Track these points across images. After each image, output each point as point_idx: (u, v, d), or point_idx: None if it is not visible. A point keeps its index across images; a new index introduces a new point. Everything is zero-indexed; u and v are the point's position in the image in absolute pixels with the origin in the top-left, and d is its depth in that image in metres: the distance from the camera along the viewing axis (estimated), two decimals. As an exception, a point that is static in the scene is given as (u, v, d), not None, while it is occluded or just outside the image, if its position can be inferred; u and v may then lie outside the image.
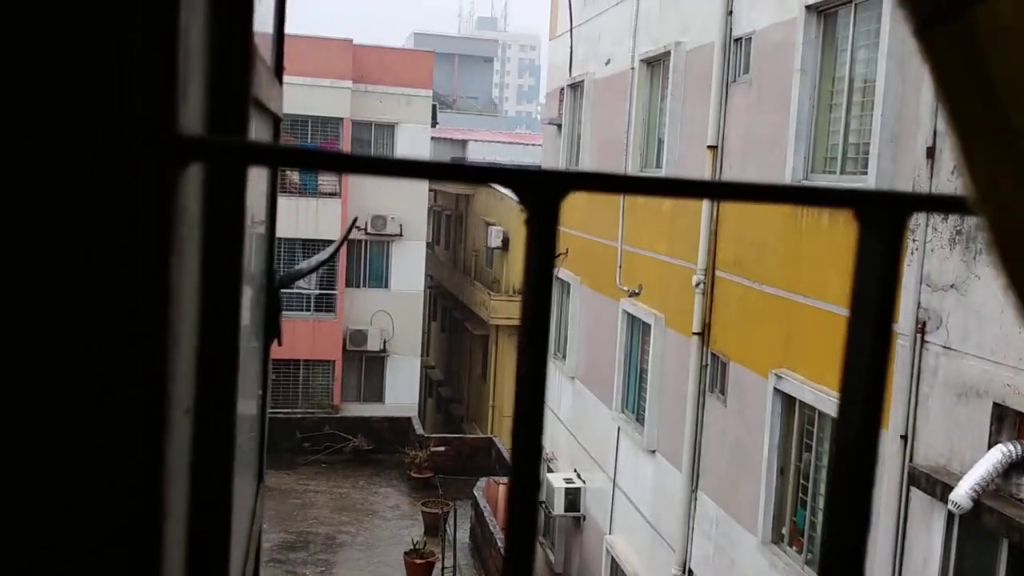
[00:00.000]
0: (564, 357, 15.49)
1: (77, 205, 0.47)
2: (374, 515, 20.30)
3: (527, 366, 0.44)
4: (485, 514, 17.72)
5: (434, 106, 26.91)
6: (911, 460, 6.89)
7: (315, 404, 24.58)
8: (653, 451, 11.91)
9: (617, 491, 13.11)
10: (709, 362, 10.44)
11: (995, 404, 6.16)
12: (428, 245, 27.94)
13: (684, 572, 10.79)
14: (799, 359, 8.56)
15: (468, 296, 26.23)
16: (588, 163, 14.79)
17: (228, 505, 0.83)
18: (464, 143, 36.85)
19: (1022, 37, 0.37)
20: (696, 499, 10.65)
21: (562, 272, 15.19)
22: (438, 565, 17.21)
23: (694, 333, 10.55)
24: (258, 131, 1.18)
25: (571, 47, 15.55)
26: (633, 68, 12.88)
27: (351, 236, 24.43)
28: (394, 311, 25.42)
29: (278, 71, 1.64)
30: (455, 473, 21.53)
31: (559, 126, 16.19)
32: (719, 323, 10.27)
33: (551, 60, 17.57)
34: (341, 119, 24.82)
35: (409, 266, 25.84)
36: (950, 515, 6.40)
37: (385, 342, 25.40)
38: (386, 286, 25.78)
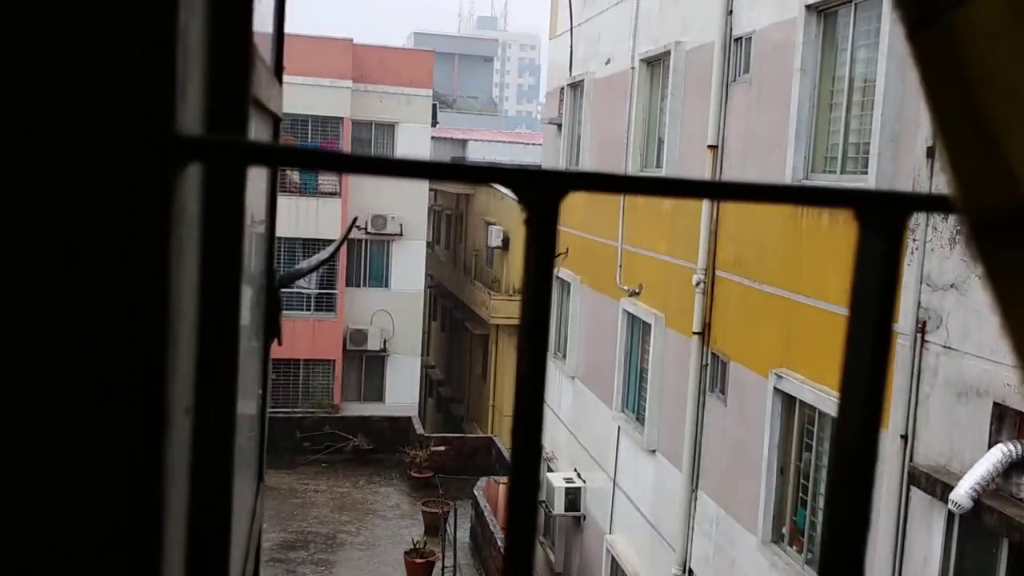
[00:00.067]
0: (564, 357, 15.50)
1: (76, 205, 0.47)
2: (374, 514, 20.31)
3: (527, 365, 0.44)
4: (485, 514, 17.73)
5: (434, 106, 26.91)
6: (911, 460, 6.89)
7: (315, 404, 24.59)
8: (653, 451, 11.91)
9: (617, 491, 13.11)
10: (709, 362, 10.44)
11: (995, 404, 6.16)
12: (428, 245, 27.95)
13: (684, 572, 10.79)
14: (799, 359, 8.56)
15: (468, 296, 26.24)
16: (588, 163, 14.79)
17: (228, 505, 0.83)
18: (464, 143, 36.86)
19: (996, 41, 0.38)
20: (696, 499, 10.65)
21: (562, 272, 15.20)
22: (438, 565, 17.22)
23: (694, 333, 10.55)
24: (258, 131, 1.18)
25: (571, 46, 15.55)
26: (633, 68, 12.87)
27: (351, 235, 24.43)
28: (394, 311, 25.42)
29: (278, 71, 1.64)
30: (455, 473, 21.54)
31: (559, 126, 16.19)
32: (719, 323, 10.27)
33: (551, 59, 17.57)
34: (341, 119, 24.82)
35: (409, 266, 25.85)
36: (950, 515, 6.40)
37: (385, 341, 25.41)
38: (386, 286, 25.78)
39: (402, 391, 25.73)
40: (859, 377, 0.47)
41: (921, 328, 6.84)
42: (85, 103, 0.46)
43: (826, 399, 7.98)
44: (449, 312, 29.24)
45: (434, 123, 26.99)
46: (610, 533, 13.31)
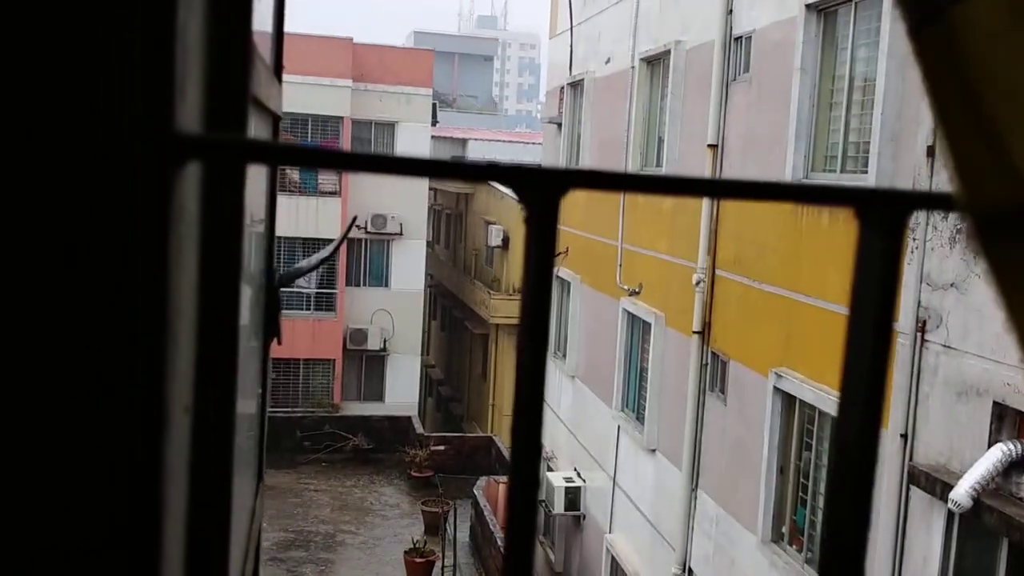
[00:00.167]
0: (564, 356, 15.50)
1: (74, 204, 0.47)
2: (374, 514, 20.31)
3: (527, 363, 0.44)
4: (485, 513, 17.73)
5: (434, 105, 26.91)
6: (911, 459, 6.89)
7: (315, 403, 24.59)
8: (653, 450, 11.91)
9: (617, 490, 13.11)
10: (709, 361, 10.44)
11: (995, 403, 6.16)
12: (428, 244, 27.94)
13: (684, 571, 10.80)
14: (799, 358, 8.56)
15: (468, 295, 26.24)
16: (588, 162, 14.79)
17: (227, 504, 0.83)
18: (464, 142, 36.86)
19: (996, 41, 0.38)
20: (696, 498, 10.65)
21: (562, 271, 15.19)
22: (438, 564, 17.22)
23: (694, 332, 10.55)
24: (257, 130, 1.18)
25: (571, 46, 15.54)
26: (633, 67, 12.87)
27: (351, 235, 24.43)
28: (394, 310, 25.42)
29: (277, 70, 1.63)
30: (455, 472, 21.54)
31: (559, 125, 16.19)
32: (719, 322, 10.27)
33: (551, 59, 17.57)
34: (341, 118, 24.82)
35: (409, 265, 25.84)
36: (950, 514, 6.40)
37: (385, 341, 25.41)
38: (386, 285, 25.78)
39: (402, 390, 25.73)
40: (859, 376, 0.47)
41: (921, 327, 6.84)
42: (83, 101, 0.46)
43: (826, 398, 7.98)
44: (449, 311, 29.24)
45: (434, 122, 26.99)
46: (610, 532, 13.31)
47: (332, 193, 24.68)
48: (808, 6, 8.54)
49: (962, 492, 5.97)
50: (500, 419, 23.69)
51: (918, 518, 6.84)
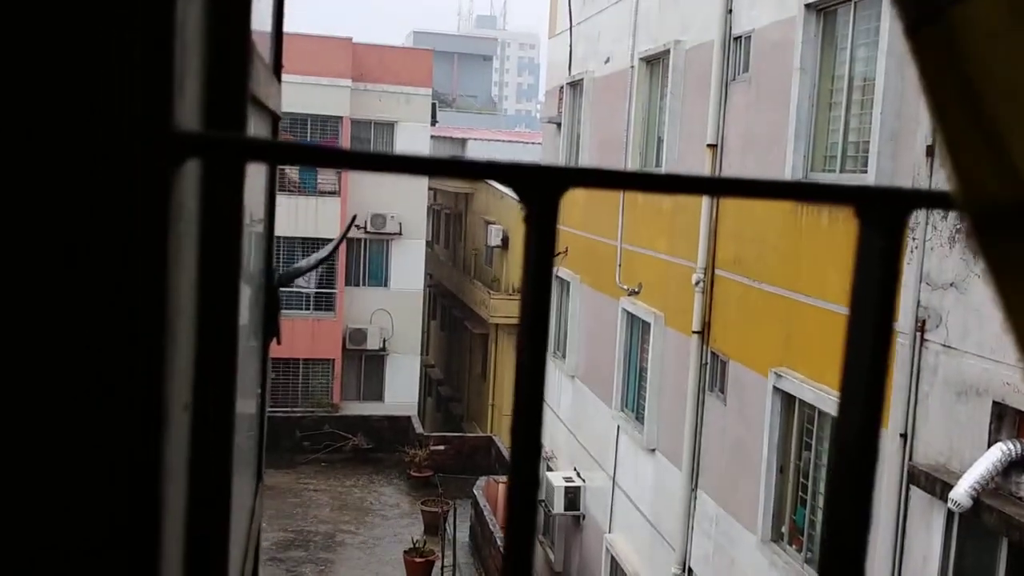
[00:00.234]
0: (564, 356, 15.50)
1: (73, 202, 0.47)
2: (374, 514, 20.31)
3: (526, 363, 0.44)
4: (485, 513, 17.73)
5: (433, 105, 26.90)
6: (911, 458, 6.89)
7: (315, 403, 24.58)
8: (653, 450, 11.91)
9: (617, 490, 13.11)
10: (709, 361, 10.43)
11: (995, 402, 6.16)
12: (428, 244, 27.94)
13: (684, 571, 10.80)
14: (799, 358, 8.56)
15: (468, 295, 26.23)
16: (587, 162, 14.78)
17: (227, 503, 0.83)
18: (464, 142, 36.85)
19: (996, 41, 0.38)
20: (696, 498, 10.65)
21: (562, 271, 15.19)
22: (438, 564, 17.22)
23: (694, 332, 10.55)
24: (256, 129, 1.18)
25: (570, 45, 15.54)
26: (633, 66, 12.87)
27: (350, 234, 24.42)
28: (394, 310, 25.42)
29: (277, 69, 1.63)
30: (455, 472, 21.54)
31: (558, 124, 16.18)
32: (719, 322, 10.27)
33: (550, 58, 17.57)
34: (340, 118, 24.81)
35: (409, 265, 25.84)
36: (950, 513, 6.40)
37: (385, 341, 25.40)
38: (386, 285, 25.78)
39: (401, 390, 25.72)
40: (859, 375, 0.46)
41: (921, 327, 6.84)
42: (81, 98, 0.46)
43: (826, 398, 7.98)
44: (448, 311, 29.24)
45: (433, 122, 26.98)
46: (610, 532, 13.31)
47: (331, 193, 24.68)
48: (807, 6, 8.54)
49: (962, 492, 5.97)
50: (500, 419, 23.69)
51: (918, 518, 6.85)
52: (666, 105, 11.80)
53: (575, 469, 14.81)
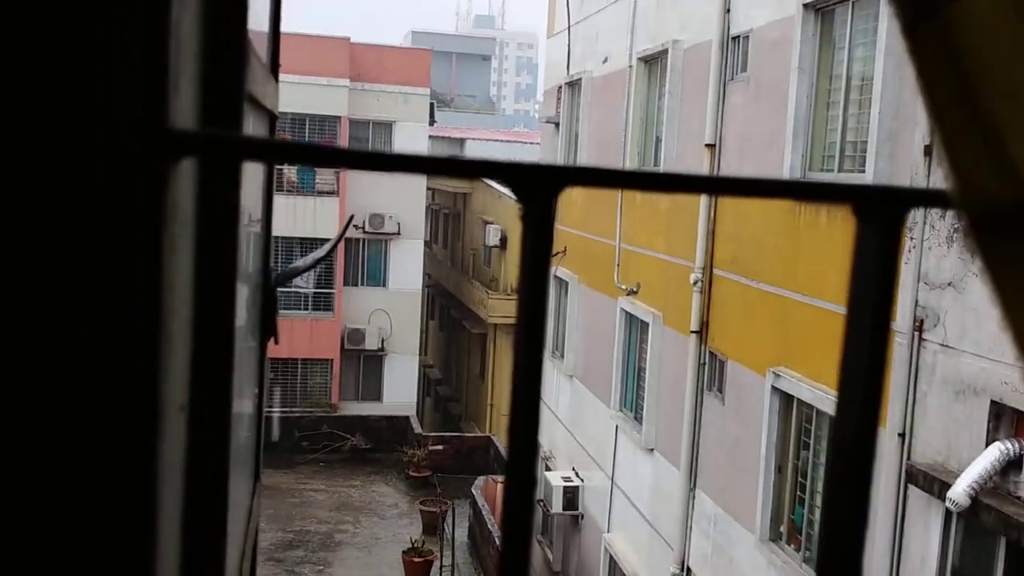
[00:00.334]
0: (562, 356, 15.50)
1: (66, 201, 0.46)
2: (372, 514, 20.31)
3: (523, 362, 0.43)
4: (483, 513, 17.73)
5: (432, 104, 26.90)
6: (909, 458, 6.89)
7: (313, 403, 24.58)
8: (651, 449, 11.91)
9: (615, 489, 13.11)
10: (707, 360, 10.44)
11: (993, 402, 6.16)
12: (426, 244, 27.93)
13: (682, 570, 10.80)
14: (797, 357, 8.56)
15: (466, 295, 26.23)
16: (586, 161, 14.78)
17: (224, 503, 0.83)
18: (462, 141, 36.85)
19: (995, 38, 0.38)
20: (694, 497, 10.65)
21: (560, 271, 15.19)
22: (436, 564, 17.22)
23: (692, 331, 10.55)
24: (253, 128, 1.18)
25: (569, 45, 15.54)
26: (631, 66, 12.87)
27: (349, 234, 24.42)
28: (392, 310, 25.41)
29: (274, 68, 1.63)
30: (453, 472, 21.54)
31: (557, 124, 16.18)
32: (717, 321, 10.27)
33: (549, 58, 17.57)
34: (339, 117, 24.81)
35: (407, 265, 25.84)
36: (948, 513, 6.40)
37: (383, 341, 25.40)
38: (384, 285, 25.77)
39: (400, 390, 25.72)
40: (857, 374, 0.46)
41: (919, 326, 6.85)
42: (75, 97, 0.46)
43: (824, 397, 7.98)
44: (447, 311, 29.23)
45: (432, 122, 26.98)
46: (608, 532, 13.32)
47: (330, 193, 24.67)
48: (806, 5, 8.54)
49: (960, 491, 5.97)
50: (498, 419, 23.69)
51: (916, 517, 6.85)
52: (664, 105, 11.80)
53: (574, 469, 14.81)
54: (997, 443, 6.00)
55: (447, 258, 30.37)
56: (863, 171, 7.73)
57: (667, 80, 11.69)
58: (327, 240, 22.60)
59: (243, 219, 1.03)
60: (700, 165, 10.52)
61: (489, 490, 18.78)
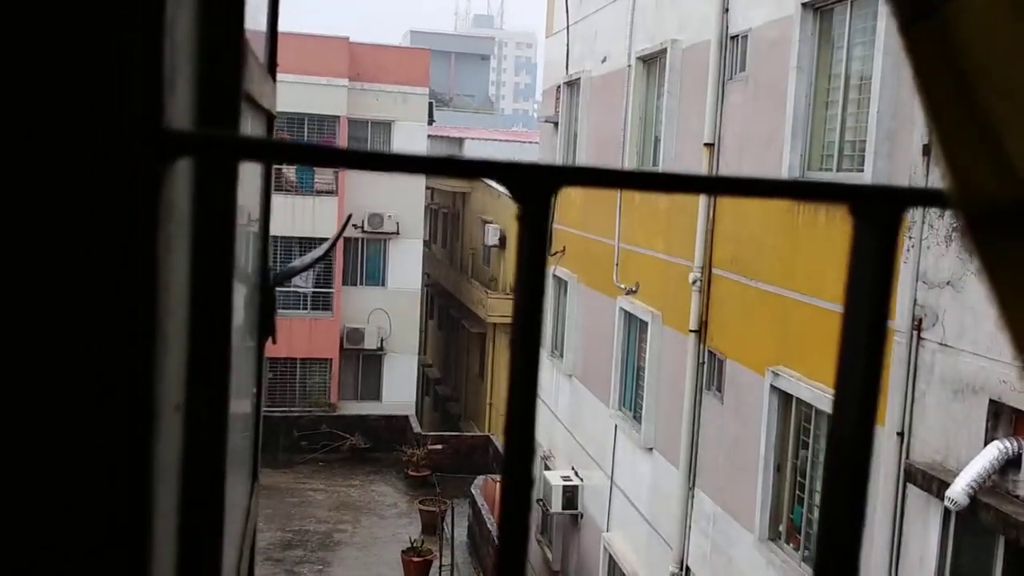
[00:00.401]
0: (561, 355, 15.50)
1: (59, 202, 0.46)
2: (371, 513, 20.31)
3: (520, 361, 0.43)
4: (483, 512, 17.73)
5: (430, 104, 26.89)
6: (907, 457, 6.90)
7: (312, 402, 24.57)
8: (650, 449, 11.91)
9: (615, 489, 13.11)
10: (706, 359, 10.44)
11: (991, 401, 6.16)
12: (425, 243, 27.93)
13: (682, 570, 10.80)
14: (796, 356, 8.56)
15: (465, 294, 26.24)
16: (584, 161, 14.78)
17: (220, 502, 0.83)
18: (461, 141, 36.83)
19: (992, 37, 0.38)
20: (693, 497, 10.66)
21: (559, 270, 15.19)
22: (436, 563, 17.22)
23: (691, 331, 10.55)
24: (251, 127, 1.17)
25: (568, 45, 15.54)
26: (630, 66, 12.87)
27: (348, 234, 24.43)
28: (391, 309, 25.41)
29: (271, 67, 1.63)
30: (453, 471, 21.54)
31: (556, 124, 16.18)
32: (716, 320, 10.27)
33: (547, 58, 17.56)
34: (337, 117, 24.80)
35: (406, 264, 25.84)
36: (946, 512, 6.41)
37: (382, 340, 25.40)
38: (383, 284, 25.77)
39: (399, 390, 25.72)
40: (854, 373, 0.46)
41: (917, 325, 6.85)
42: (67, 95, 0.46)
43: (823, 396, 7.98)
44: (446, 311, 29.23)
45: (430, 121, 26.98)
46: (607, 531, 13.32)
47: (329, 192, 24.67)
48: (804, 4, 8.54)
49: (959, 490, 5.98)
50: (498, 418, 23.70)
51: (915, 516, 6.85)
52: (663, 104, 11.80)
53: (573, 468, 14.81)
54: (996, 442, 6.00)
55: (446, 257, 30.37)
56: (862, 170, 7.73)
57: (666, 79, 11.69)
58: (326, 240, 22.59)
59: (241, 218, 1.02)
60: (699, 164, 10.52)
61: (488, 489, 18.78)
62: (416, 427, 24.05)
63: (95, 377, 0.48)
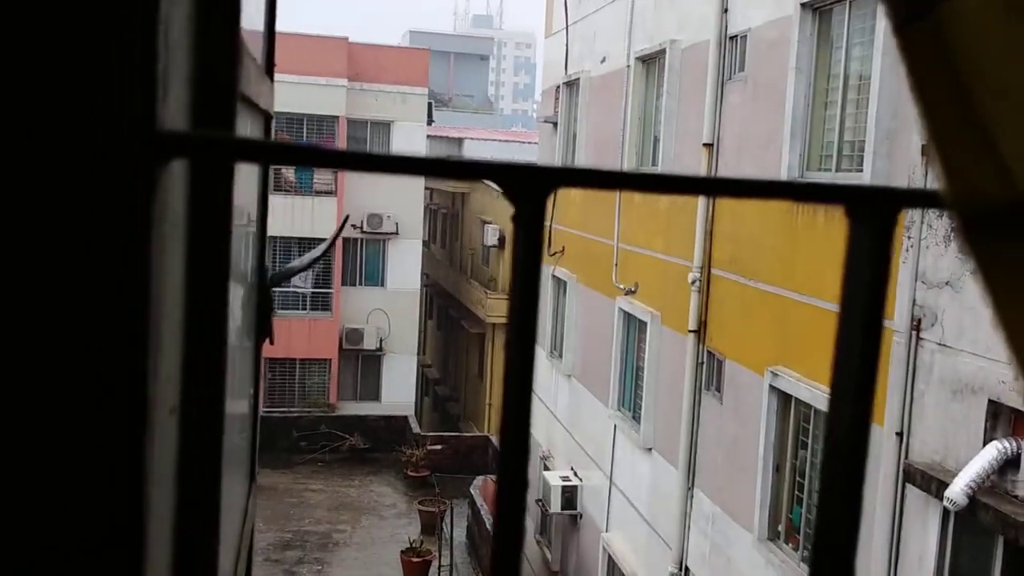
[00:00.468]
0: (561, 355, 15.50)
1: (53, 203, 0.46)
2: (371, 514, 20.30)
3: (515, 362, 0.43)
4: (482, 512, 17.73)
5: (430, 104, 26.90)
6: (907, 457, 6.90)
7: (311, 403, 24.57)
8: (649, 449, 11.91)
9: (614, 489, 13.11)
10: (705, 360, 10.44)
11: (990, 401, 6.17)
12: (424, 243, 27.93)
13: (681, 570, 10.80)
14: (795, 356, 8.56)
15: (464, 294, 26.23)
16: (584, 161, 14.78)
17: (216, 504, 0.83)
18: (460, 141, 36.83)
19: (987, 37, 0.38)
20: (692, 497, 10.66)
21: (558, 270, 15.19)
22: (435, 564, 17.22)
23: (690, 331, 10.55)
24: (248, 128, 1.17)
25: (567, 45, 15.54)
26: (629, 66, 12.87)
27: (347, 234, 24.43)
28: (390, 310, 25.41)
29: (269, 68, 1.63)
30: (452, 471, 21.54)
31: (555, 124, 16.18)
32: (715, 321, 10.27)
33: (547, 58, 17.56)
34: (336, 117, 24.80)
35: (405, 264, 25.84)
36: (945, 512, 6.41)
37: (381, 340, 25.39)
38: (382, 284, 25.77)
39: (398, 390, 25.72)
40: (849, 373, 0.46)
41: (916, 325, 6.85)
42: (62, 96, 0.46)
43: (821, 397, 7.98)
44: (445, 311, 29.23)
45: (430, 122, 26.98)
46: (606, 531, 13.32)
47: (328, 193, 24.67)
48: (803, 5, 8.55)
49: (957, 490, 5.98)
50: (497, 418, 23.67)
51: (914, 516, 6.85)
52: (662, 104, 11.80)
53: (572, 468, 14.81)
54: (995, 442, 6.00)
55: (445, 258, 30.37)
56: (861, 171, 7.73)
57: (665, 80, 11.69)
58: (325, 240, 22.57)
59: (238, 219, 1.02)
60: (698, 165, 10.52)
61: (488, 490, 18.78)
62: (415, 427, 24.05)
63: (91, 379, 0.48)
